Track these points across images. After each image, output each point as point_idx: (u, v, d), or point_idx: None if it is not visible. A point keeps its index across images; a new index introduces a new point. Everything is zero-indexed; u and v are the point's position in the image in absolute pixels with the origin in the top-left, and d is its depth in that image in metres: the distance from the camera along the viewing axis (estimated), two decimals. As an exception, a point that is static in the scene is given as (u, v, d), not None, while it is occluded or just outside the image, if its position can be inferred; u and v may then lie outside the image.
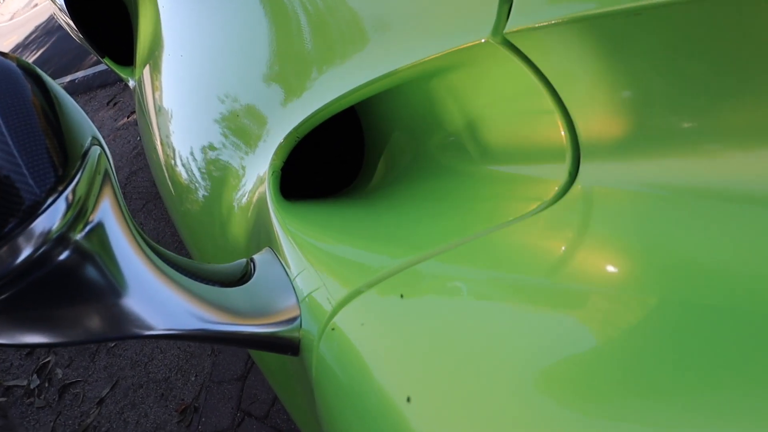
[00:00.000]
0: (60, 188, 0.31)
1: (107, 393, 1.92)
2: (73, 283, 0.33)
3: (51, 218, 0.30)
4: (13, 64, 0.36)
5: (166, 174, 0.89)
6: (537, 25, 0.33)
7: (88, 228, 0.33)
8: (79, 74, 4.15)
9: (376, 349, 0.30)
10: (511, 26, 0.34)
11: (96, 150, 0.37)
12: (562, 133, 0.36)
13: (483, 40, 0.36)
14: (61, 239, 0.31)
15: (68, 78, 4.20)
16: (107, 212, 0.34)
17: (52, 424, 1.91)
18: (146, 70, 1.19)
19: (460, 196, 0.42)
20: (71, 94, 4.21)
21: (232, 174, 0.62)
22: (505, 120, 0.41)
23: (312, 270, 0.39)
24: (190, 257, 0.88)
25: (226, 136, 0.65)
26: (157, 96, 1.00)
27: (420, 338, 0.29)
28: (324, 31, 0.49)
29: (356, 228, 0.44)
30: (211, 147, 0.69)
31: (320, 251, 0.41)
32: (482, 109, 0.42)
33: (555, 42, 0.33)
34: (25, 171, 0.30)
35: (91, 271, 0.33)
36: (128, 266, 0.34)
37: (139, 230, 0.36)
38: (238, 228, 0.61)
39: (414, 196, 0.46)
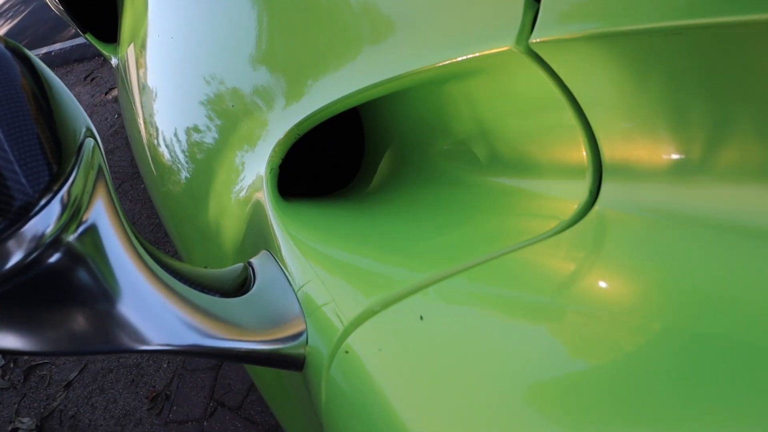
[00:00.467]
0: (55, 187, 0.28)
1: (75, 377, 1.88)
2: (63, 287, 0.30)
3: (45, 221, 0.28)
4: (1, 46, 0.33)
5: (149, 154, 0.86)
6: (566, 37, 0.31)
7: (81, 229, 0.30)
8: (56, 46, 4.03)
9: (396, 379, 0.28)
10: (537, 36, 0.33)
11: (90, 143, 0.34)
12: (584, 150, 0.35)
13: (507, 48, 0.34)
14: (54, 242, 0.28)
15: (44, 49, 4.07)
16: (101, 212, 0.32)
17: (16, 406, 1.86)
18: (131, 50, 1.15)
19: (473, 209, 0.41)
20: (47, 65, 4.08)
21: (224, 163, 0.60)
22: (524, 131, 0.39)
23: (318, 282, 0.36)
24: (169, 238, 0.85)
25: (220, 125, 0.62)
26: (143, 76, 0.96)
27: (443, 368, 0.28)
28: (334, 24, 0.47)
29: (363, 236, 0.42)
30: (197, 129, 0.67)
31: (326, 260, 0.39)
32: (500, 118, 0.41)
33: (584, 55, 0.32)
34: (17, 168, 0.27)
35: (82, 276, 0.31)
36: (123, 271, 0.32)
37: (135, 231, 0.34)
38: (226, 218, 0.59)
39: (423, 205, 0.45)
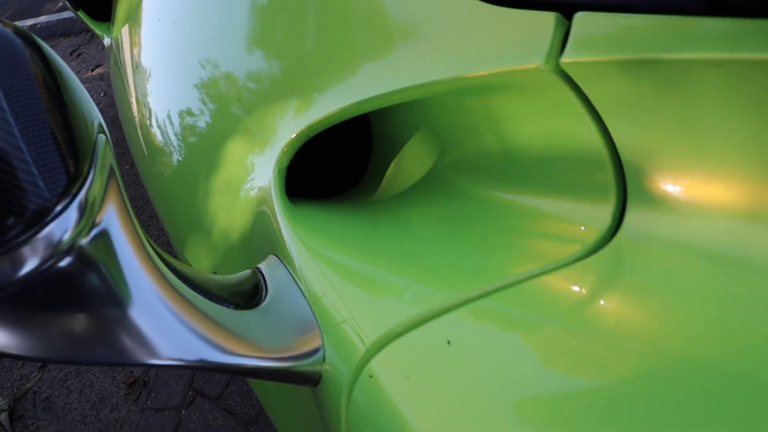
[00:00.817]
0: (72, 191, 0.27)
1: (51, 359, 1.84)
2: (71, 292, 0.29)
3: (62, 226, 0.26)
4: (10, 32, 0.31)
5: (140, 134, 0.84)
6: (599, 60, 0.31)
7: (94, 232, 0.29)
8: (42, 19, 3.93)
9: (425, 409, 0.27)
10: (569, 56, 0.32)
11: (102, 139, 0.33)
12: (609, 174, 0.34)
13: (536, 66, 0.33)
14: (70, 249, 0.27)
15: (29, 22, 3.97)
16: (113, 214, 0.30)
17: (-12, 386, 1.82)
18: (126, 30, 1.13)
19: (492, 227, 0.40)
20: (31, 38, 3.98)
21: (225, 154, 0.59)
22: (546, 151, 0.38)
23: (335, 295, 0.35)
24: (152, 222, 0.83)
25: (222, 115, 0.61)
26: (139, 58, 0.94)
27: (475, 398, 0.27)
28: (354, 25, 0.46)
29: (379, 247, 0.41)
30: (195, 116, 0.65)
31: (342, 271, 0.37)
32: (521, 135, 0.40)
33: (616, 79, 0.31)
34: (34, 170, 0.26)
35: (92, 281, 0.29)
36: (135, 278, 0.30)
37: (147, 235, 0.32)
38: (224, 211, 0.58)
39: (438, 218, 0.44)
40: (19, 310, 0.29)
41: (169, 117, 0.72)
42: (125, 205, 0.31)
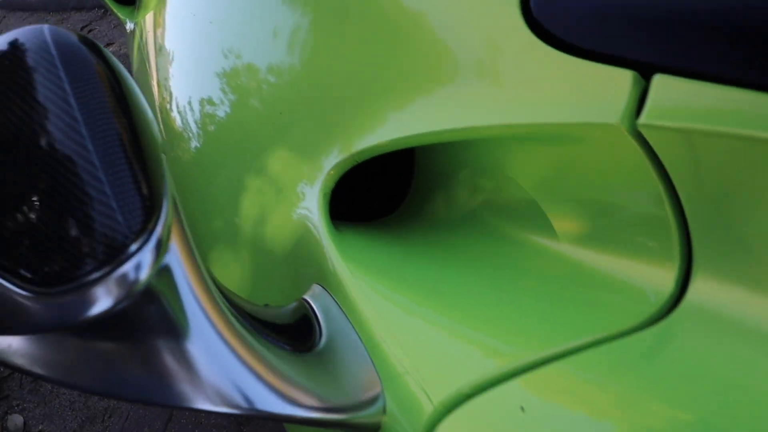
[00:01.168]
0: (149, 226, 0.25)
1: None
2: (129, 326, 0.27)
3: (138, 264, 0.24)
4: (73, 38, 0.28)
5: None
6: (678, 127, 0.30)
7: (161, 265, 0.27)
8: (54, -10, 3.88)
9: None
10: (647, 119, 0.31)
11: (163, 159, 0.31)
12: (674, 240, 0.33)
13: (611, 123, 0.32)
14: (147, 290, 0.25)
15: (41, -8, 3.92)
16: (175, 247, 0.28)
17: (-24, 363, 1.79)
18: (151, 18, 1.11)
19: (551, 281, 0.38)
20: (41, 10, 3.94)
21: (257, 161, 0.57)
22: (608, 206, 0.38)
23: (395, 343, 0.34)
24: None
25: (260, 123, 0.58)
26: (168, 50, 0.92)
27: None
28: (420, 53, 0.44)
29: (435, 291, 0.39)
30: (232, 122, 0.63)
31: (402, 316, 0.36)
32: (583, 189, 0.39)
33: (694, 148, 0.30)
34: (114, 203, 0.24)
35: (151, 315, 0.27)
36: (194, 314, 0.28)
37: (207, 267, 0.30)
38: (251, 220, 0.56)
39: (494, 264, 0.42)
40: (74, 342, 0.27)
41: (202, 125, 0.70)
42: (187, 235, 0.29)
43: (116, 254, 0.24)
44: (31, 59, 0.25)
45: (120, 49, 3.13)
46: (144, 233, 0.25)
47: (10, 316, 0.26)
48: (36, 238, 0.23)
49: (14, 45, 0.26)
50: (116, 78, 0.29)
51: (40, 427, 1.59)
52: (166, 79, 0.90)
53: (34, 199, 0.23)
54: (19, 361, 0.28)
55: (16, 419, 1.62)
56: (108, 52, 0.30)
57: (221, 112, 0.65)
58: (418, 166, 0.57)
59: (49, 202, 0.23)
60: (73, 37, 0.28)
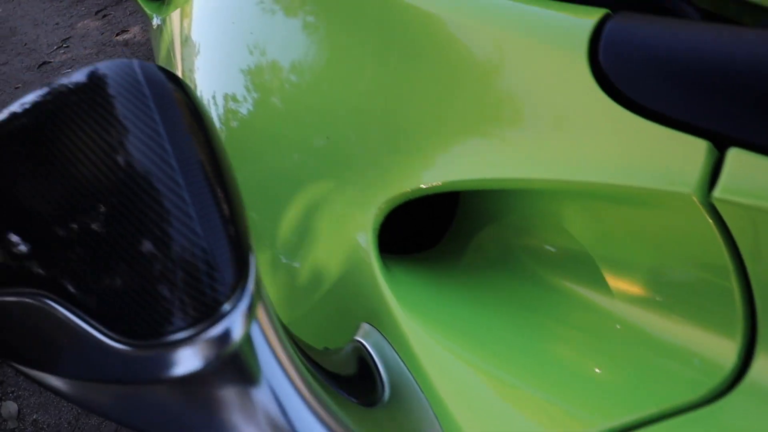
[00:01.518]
0: (243, 282, 0.24)
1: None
2: (205, 384, 0.26)
3: (231, 325, 0.23)
4: (157, 71, 0.27)
5: None
6: (753, 205, 0.29)
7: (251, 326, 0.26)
8: (71, -28, 3.86)
9: None
10: (721, 193, 0.31)
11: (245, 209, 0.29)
12: (739, 311, 0.33)
13: (685, 193, 0.32)
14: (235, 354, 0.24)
15: (57, -28, 3.89)
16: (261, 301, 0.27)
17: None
18: (177, 15, 1.10)
19: (609, 341, 0.38)
20: (57, -10, 3.91)
21: (301, 187, 0.56)
22: (669, 271, 0.37)
23: (462, 402, 0.33)
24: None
25: (306, 151, 0.58)
26: (198, 51, 0.91)
27: None
28: (482, 96, 0.43)
29: (494, 345, 0.39)
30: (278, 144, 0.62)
31: (466, 373, 0.35)
32: (645, 251, 0.38)
33: None
34: (213, 260, 0.23)
35: (231, 374, 0.26)
36: (273, 373, 0.27)
37: (281, 320, 0.29)
38: (290, 234, 0.55)
39: (550, 316, 0.41)
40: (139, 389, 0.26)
41: (243, 149, 0.68)
42: (264, 288, 0.28)
43: (210, 313, 0.23)
44: (128, 110, 0.24)
45: (135, 37, 3.11)
46: (239, 289, 0.24)
47: (86, 361, 0.25)
48: (134, 293, 0.22)
49: (105, 83, 0.25)
50: (199, 117, 0.28)
51: (34, 416, 1.58)
52: (191, 72, 0.89)
53: (142, 252, 0.22)
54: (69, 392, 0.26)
55: (11, 406, 1.61)
56: (190, 88, 0.29)
57: (263, 128, 0.64)
58: (461, 203, 0.57)
59: (157, 257, 0.22)
60: (163, 76, 0.27)
